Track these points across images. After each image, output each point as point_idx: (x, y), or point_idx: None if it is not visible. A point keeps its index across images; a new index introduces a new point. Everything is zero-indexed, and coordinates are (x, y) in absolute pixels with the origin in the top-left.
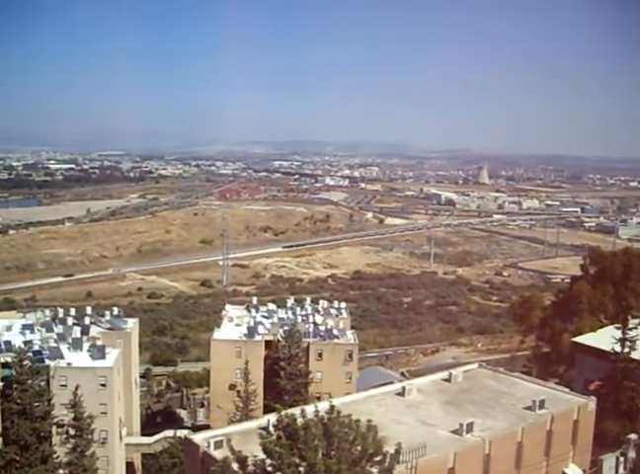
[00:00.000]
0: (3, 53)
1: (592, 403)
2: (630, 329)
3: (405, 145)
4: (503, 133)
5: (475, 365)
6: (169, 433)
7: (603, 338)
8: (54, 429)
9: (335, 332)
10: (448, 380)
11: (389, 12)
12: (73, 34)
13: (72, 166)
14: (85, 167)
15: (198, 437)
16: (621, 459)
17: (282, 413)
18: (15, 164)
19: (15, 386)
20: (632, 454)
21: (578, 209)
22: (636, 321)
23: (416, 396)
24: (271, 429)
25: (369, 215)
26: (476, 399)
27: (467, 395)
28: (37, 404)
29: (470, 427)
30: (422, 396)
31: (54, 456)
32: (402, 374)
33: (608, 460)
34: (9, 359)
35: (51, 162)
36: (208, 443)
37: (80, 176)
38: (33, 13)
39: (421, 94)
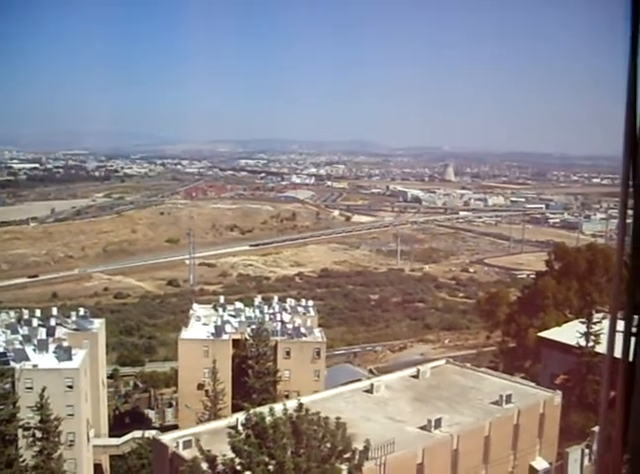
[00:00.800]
0: None
1: (557, 397)
2: (594, 323)
3: (371, 143)
4: (468, 131)
5: (442, 362)
6: (137, 433)
7: (569, 332)
8: (20, 432)
9: (302, 330)
10: (416, 377)
11: (355, 8)
12: (35, 31)
13: (36, 165)
14: (49, 166)
15: (166, 438)
16: (586, 451)
17: (251, 412)
18: None
19: None
20: (596, 447)
21: (542, 206)
22: (600, 315)
23: (384, 393)
24: (239, 428)
25: (336, 213)
26: (444, 395)
27: (435, 391)
28: (1, 407)
29: (438, 422)
30: (390, 393)
31: (20, 460)
32: (370, 371)
33: (574, 453)
34: None
35: (14, 161)
36: (177, 443)
37: (44, 175)
38: None
39: (387, 91)
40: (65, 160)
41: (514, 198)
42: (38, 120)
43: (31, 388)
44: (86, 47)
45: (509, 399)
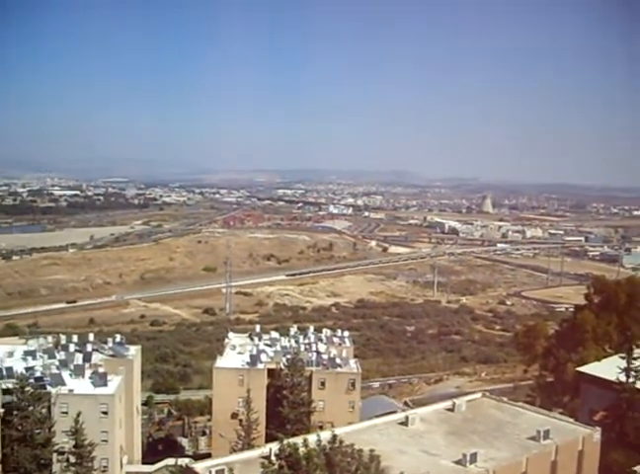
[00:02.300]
0: (5, 83)
1: (597, 433)
2: (635, 358)
3: (409, 174)
4: (507, 162)
5: (479, 395)
6: (170, 461)
7: (608, 367)
8: (55, 456)
9: (338, 360)
10: (452, 410)
11: (391, 38)
12: (75, 64)
13: (77, 192)
14: (89, 193)
15: (199, 466)
16: None
17: (285, 442)
18: (20, 190)
19: (16, 413)
20: None
21: (582, 238)
22: None
23: (419, 425)
24: (273, 458)
25: (373, 244)
26: (480, 429)
27: (471, 425)
28: (37, 431)
29: (474, 457)
30: (425, 425)
31: None
32: (405, 404)
33: None
34: (10, 386)
35: (56, 188)
36: (210, 472)
37: (84, 202)
38: (32, 38)
39: (425, 122)
40: (105, 187)
41: (552, 231)
42: (78, 148)
43: (66, 413)
44: (125, 76)
45: (546, 435)
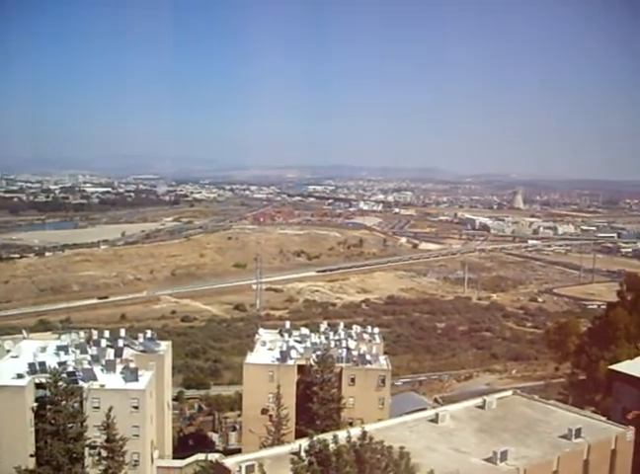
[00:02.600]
0: (38, 82)
1: (630, 433)
2: None
3: (439, 170)
4: (538, 158)
5: (509, 392)
6: (201, 456)
7: None
8: (87, 450)
9: (368, 357)
10: (482, 407)
11: (416, 32)
12: (111, 64)
13: (108, 189)
14: (121, 190)
15: (229, 462)
16: None
17: (314, 438)
18: (52, 187)
19: (49, 407)
20: None
21: (614, 235)
22: None
23: (449, 423)
24: (302, 454)
25: (403, 240)
26: (510, 427)
27: (501, 422)
28: (70, 425)
29: (504, 455)
30: (455, 423)
31: None
32: (435, 400)
33: None
34: (43, 380)
35: (88, 185)
36: (240, 468)
37: (116, 199)
38: (69, 36)
39: (455, 118)
40: (136, 184)
41: (584, 227)
42: (109, 144)
43: (98, 407)
44: (155, 75)
45: (578, 433)
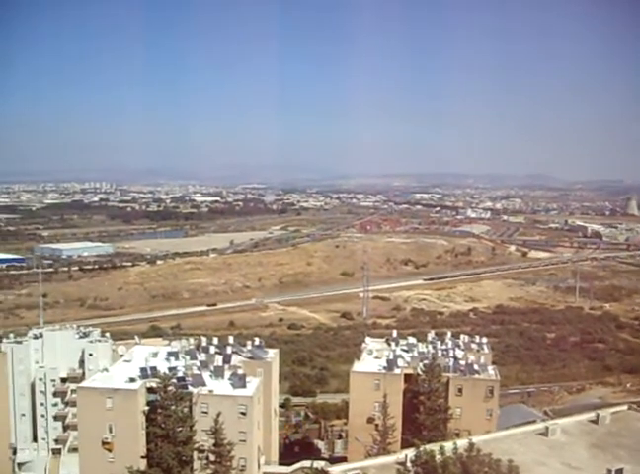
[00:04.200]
0: (149, 95)
1: None
2: None
3: (548, 176)
4: None
5: (624, 407)
6: (306, 463)
7: None
8: (195, 454)
9: (476, 367)
10: (595, 421)
11: (525, 38)
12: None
13: (217, 199)
14: (229, 199)
15: (335, 470)
16: None
17: (421, 449)
18: (163, 197)
19: (159, 411)
20: None
21: None
22: None
23: (560, 437)
24: (408, 464)
25: (512, 248)
26: (626, 443)
27: (616, 438)
28: (179, 429)
29: (620, 473)
30: (566, 437)
31: None
32: (545, 413)
33: None
34: (154, 385)
35: (197, 195)
36: None
37: (224, 208)
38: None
39: (564, 124)
40: (244, 193)
41: None
42: (217, 155)
43: (206, 413)
44: (262, 82)
45: None
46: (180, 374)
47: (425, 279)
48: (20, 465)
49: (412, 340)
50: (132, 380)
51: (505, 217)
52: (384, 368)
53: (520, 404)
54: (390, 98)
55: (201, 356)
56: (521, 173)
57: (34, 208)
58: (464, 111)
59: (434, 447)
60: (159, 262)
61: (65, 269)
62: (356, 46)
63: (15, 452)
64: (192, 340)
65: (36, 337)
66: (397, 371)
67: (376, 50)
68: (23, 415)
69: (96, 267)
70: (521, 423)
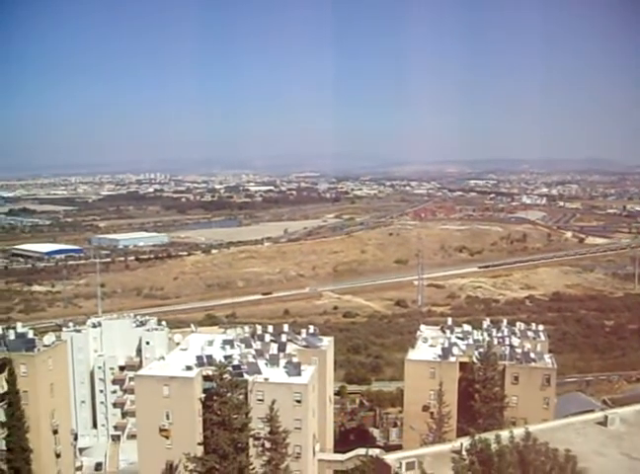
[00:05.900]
0: (202, 86)
1: None
2: None
3: (606, 161)
4: None
5: None
6: (361, 451)
7: None
8: (251, 441)
9: (532, 355)
10: None
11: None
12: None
13: (270, 188)
14: (283, 188)
15: (389, 458)
16: None
17: (476, 437)
18: (217, 187)
19: (215, 398)
20: None
21: None
22: None
23: (619, 426)
24: (464, 453)
25: (569, 234)
26: None
27: None
28: (235, 416)
29: None
30: (626, 427)
31: (250, 467)
32: (604, 402)
33: None
34: (210, 373)
35: (251, 184)
36: (400, 464)
37: (278, 197)
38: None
39: (621, 107)
40: (298, 182)
41: None
42: (271, 144)
43: (262, 400)
44: (315, 72)
45: None
46: (235, 362)
47: (480, 267)
48: (81, 450)
49: (467, 328)
50: (189, 368)
51: (561, 203)
52: (439, 356)
53: (578, 393)
54: (442, 83)
55: (257, 345)
56: (578, 157)
57: (90, 200)
58: (517, 93)
59: (489, 436)
60: (214, 251)
61: (122, 259)
62: (409, 36)
63: (76, 438)
64: (247, 328)
65: (94, 326)
66: (452, 359)
67: (428, 40)
68: (83, 402)
69: (152, 256)
70: (579, 412)
